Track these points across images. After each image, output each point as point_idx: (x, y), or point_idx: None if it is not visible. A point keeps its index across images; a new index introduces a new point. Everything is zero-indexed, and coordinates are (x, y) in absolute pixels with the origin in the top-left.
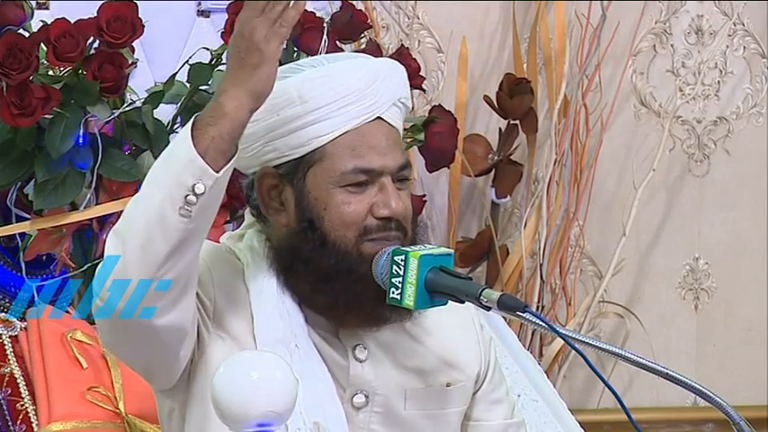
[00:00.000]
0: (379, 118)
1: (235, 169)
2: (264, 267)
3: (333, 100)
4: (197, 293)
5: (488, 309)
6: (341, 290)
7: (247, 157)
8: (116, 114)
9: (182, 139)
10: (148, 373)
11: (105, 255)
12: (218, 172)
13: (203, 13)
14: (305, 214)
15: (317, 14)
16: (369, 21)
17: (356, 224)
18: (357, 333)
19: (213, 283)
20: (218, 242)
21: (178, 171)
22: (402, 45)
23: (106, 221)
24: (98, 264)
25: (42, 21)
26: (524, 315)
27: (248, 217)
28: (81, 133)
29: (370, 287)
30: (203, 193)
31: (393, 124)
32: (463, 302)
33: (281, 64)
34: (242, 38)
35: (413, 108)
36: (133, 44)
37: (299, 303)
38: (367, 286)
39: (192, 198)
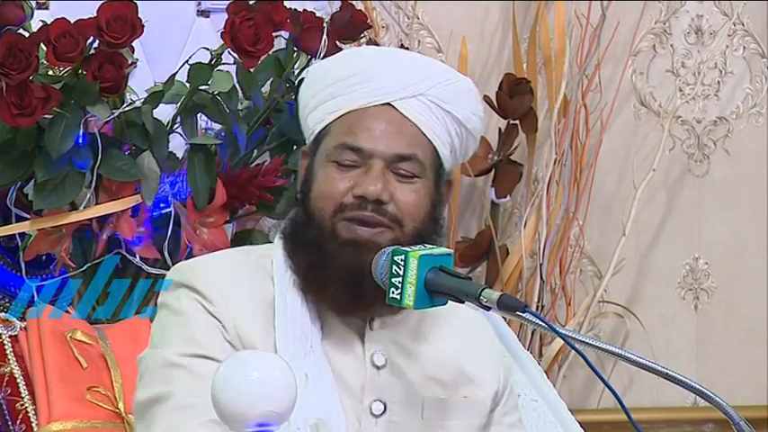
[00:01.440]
0: (389, 104)
1: (240, 168)
2: (290, 276)
3: (342, 78)
4: (218, 322)
5: (488, 309)
6: (321, 263)
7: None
8: (116, 114)
9: None
10: None
11: None
12: None
13: (203, 13)
14: (303, 186)
15: (317, 14)
16: (369, 21)
17: (333, 199)
18: (375, 337)
19: (226, 301)
20: (224, 237)
21: None
22: (402, 45)
23: (106, 221)
24: (98, 264)
25: (42, 21)
26: (524, 315)
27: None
28: (81, 133)
29: (343, 266)
30: None
31: (407, 115)
32: (463, 302)
33: (280, 64)
34: None
35: None
36: (133, 44)
37: (317, 312)
38: (339, 265)
39: None
